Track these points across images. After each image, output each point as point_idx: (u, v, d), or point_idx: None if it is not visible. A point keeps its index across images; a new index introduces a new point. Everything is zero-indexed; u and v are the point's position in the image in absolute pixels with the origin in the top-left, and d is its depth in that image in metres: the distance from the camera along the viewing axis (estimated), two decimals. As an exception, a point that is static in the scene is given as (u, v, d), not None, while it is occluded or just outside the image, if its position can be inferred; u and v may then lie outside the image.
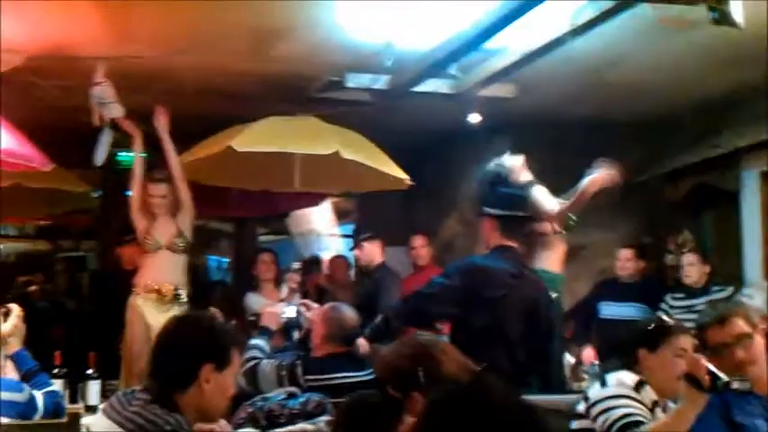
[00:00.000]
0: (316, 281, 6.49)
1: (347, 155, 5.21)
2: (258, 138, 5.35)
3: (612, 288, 6.32)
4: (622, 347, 3.02)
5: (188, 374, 2.36)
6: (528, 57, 4.75)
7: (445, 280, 4.11)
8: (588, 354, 5.61)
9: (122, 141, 5.74)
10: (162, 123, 5.31)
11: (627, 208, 7.22)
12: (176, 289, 5.24)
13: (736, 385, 2.60)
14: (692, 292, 5.84)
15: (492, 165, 4.46)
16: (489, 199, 4.21)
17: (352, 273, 7.49)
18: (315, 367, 3.87)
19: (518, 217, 4.19)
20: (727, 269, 6.42)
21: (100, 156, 5.20)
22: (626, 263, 6.31)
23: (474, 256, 4.73)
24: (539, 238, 4.51)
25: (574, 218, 4.64)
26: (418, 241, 6.74)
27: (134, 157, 5.41)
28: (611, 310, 6.15)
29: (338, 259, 7.57)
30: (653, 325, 2.98)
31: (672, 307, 5.80)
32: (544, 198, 4.41)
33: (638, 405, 2.78)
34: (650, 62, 5.37)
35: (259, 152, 5.43)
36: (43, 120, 5.51)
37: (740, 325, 3.06)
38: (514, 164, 4.38)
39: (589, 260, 6.87)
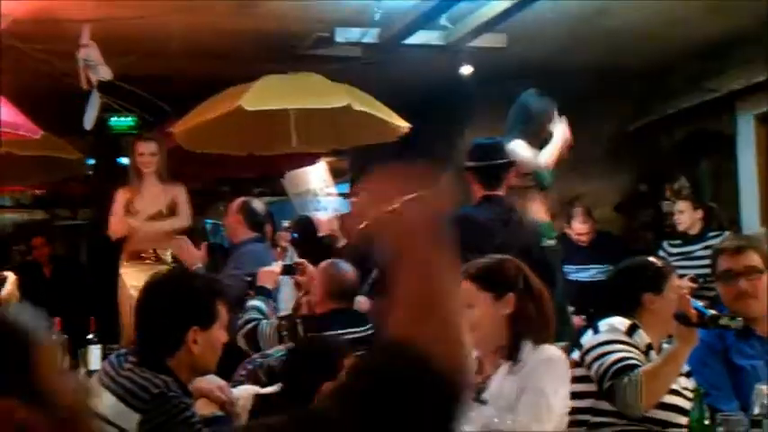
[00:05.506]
0: None
1: (358, 106, 5.14)
2: (266, 96, 5.22)
3: (568, 251, 6.01)
4: (623, 295, 2.97)
5: (174, 341, 2.35)
6: (517, 5, 4.70)
7: None
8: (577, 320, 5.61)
9: (112, 105, 5.69)
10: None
11: (623, 156, 7.19)
12: (156, 251, 5.14)
13: (725, 321, 2.61)
14: (688, 239, 5.82)
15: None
16: (467, 152, 4.23)
17: None
18: (316, 324, 3.87)
19: (494, 166, 4.17)
20: (726, 214, 6.40)
21: (89, 119, 5.13)
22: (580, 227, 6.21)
23: (460, 208, 4.74)
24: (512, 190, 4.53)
25: (547, 176, 4.69)
26: None
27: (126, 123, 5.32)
28: (571, 274, 6.01)
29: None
30: (654, 267, 2.97)
31: (669, 254, 5.78)
32: (522, 150, 4.47)
33: (632, 349, 2.77)
34: (641, 8, 5.30)
35: (257, 114, 5.34)
36: (31, 86, 5.44)
37: (754, 258, 3.07)
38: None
39: (587, 209, 6.85)
